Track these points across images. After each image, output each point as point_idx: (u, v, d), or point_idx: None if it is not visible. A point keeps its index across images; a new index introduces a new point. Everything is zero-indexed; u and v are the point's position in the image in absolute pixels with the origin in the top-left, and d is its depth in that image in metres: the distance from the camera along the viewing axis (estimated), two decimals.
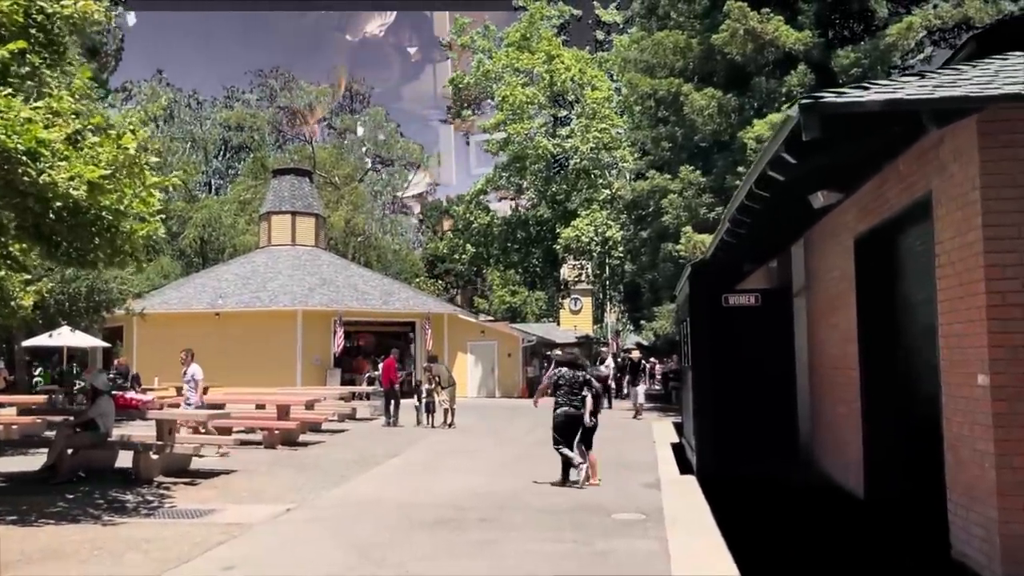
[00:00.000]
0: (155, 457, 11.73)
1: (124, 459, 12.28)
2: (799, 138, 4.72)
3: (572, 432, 10.66)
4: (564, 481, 10.75)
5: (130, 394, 14.49)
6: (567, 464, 10.70)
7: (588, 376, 10.73)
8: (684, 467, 12.97)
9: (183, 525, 8.77)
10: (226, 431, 16.50)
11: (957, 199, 6.12)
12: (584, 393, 10.48)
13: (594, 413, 10.68)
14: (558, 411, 10.65)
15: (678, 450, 15.25)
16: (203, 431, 15.04)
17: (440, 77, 41.08)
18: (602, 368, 28.56)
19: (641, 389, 24.20)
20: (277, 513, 9.45)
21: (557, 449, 10.77)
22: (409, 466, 13.59)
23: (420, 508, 9.56)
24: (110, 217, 9.71)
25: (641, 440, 17.22)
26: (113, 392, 12.37)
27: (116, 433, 12.72)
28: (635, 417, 22.76)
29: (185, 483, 11.61)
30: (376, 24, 79.79)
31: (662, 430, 19.33)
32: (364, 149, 56.97)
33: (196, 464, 13.08)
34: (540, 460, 14.04)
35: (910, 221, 7.78)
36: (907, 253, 8.42)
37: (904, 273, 8.54)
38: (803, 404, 12.40)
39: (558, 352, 31.96)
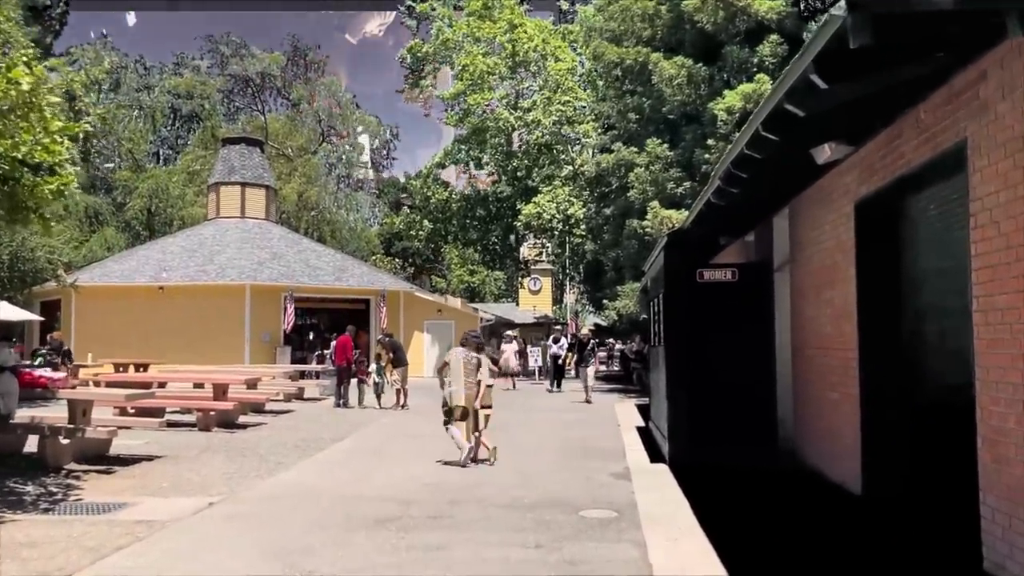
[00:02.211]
0: (65, 442, 10.45)
1: (34, 444, 11.01)
2: (843, 45, 3.63)
3: (464, 412, 10.78)
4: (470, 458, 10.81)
5: (39, 371, 13.08)
6: (459, 445, 10.80)
7: (482, 358, 10.86)
8: (653, 453, 12.00)
9: (83, 523, 7.54)
10: (157, 412, 15.20)
11: (1006, 145, 5.09)
12: (479, 376, 10.64)
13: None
14: (446, 392, 10.80)
15: (644, 434, 14.29)
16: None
17: (440, 76, 39.30)
18: (554, 347, 27.19)
19: (591, 371, 22.45)
20: (198, 508, 8.26)
21: (447, 429, 10.91)
22: (355, 451, 12.44)
23: (362, 502, 8.42)
24: (6, 167, 8.43)
25: (605, 424, 16.24)
26: (17, 368, 10.97)
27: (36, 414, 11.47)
28: (585, 401, 21.31)
29: (100, 471, 10.36)
30: (376, 24, 78.00)
31: (626, 413, 18.37)
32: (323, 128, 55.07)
33: (118, 449, 11.82)
34: (499, 445, 12.99)
35: (928, 179, 6.77)
36: (918, 218, 7.43)
37: (914, 241, 7.56)
38: (783, 388, 11.43)
39: (510, 332, 30.92)
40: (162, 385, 18.68)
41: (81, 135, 9.43)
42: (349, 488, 9.33)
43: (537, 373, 33.75)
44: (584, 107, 36.07)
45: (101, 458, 11.11)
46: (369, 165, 56.17)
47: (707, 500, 8.26)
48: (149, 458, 11.43)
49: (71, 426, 10.55)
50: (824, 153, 6.80)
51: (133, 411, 15.03)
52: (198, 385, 17.67)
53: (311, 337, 35.15)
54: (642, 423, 16.08)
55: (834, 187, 8.86)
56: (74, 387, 11.96)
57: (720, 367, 11.38)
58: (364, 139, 53.52)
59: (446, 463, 10.87)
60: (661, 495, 8.63)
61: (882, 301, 7.95)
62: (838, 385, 8.89)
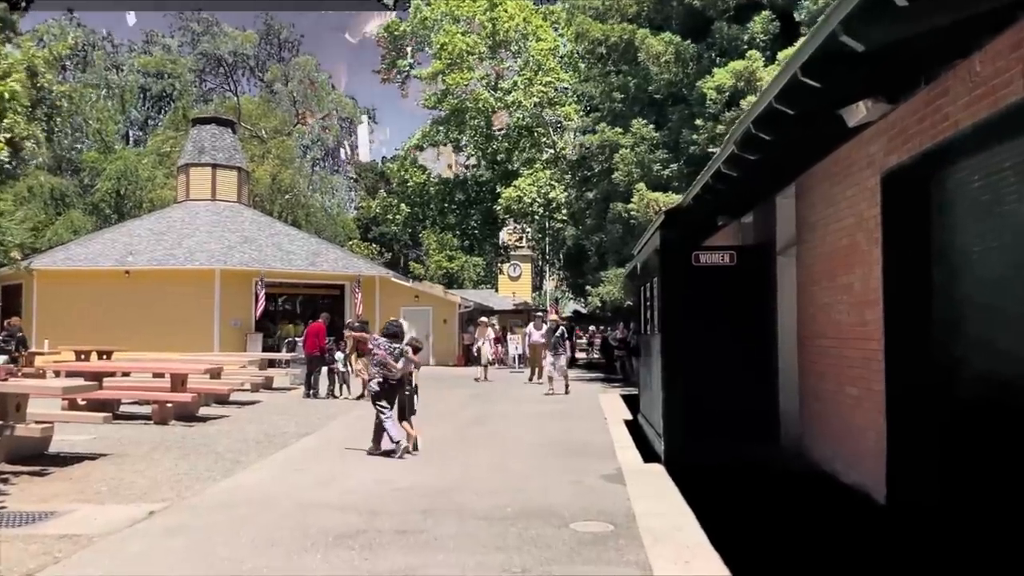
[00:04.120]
0: None
1: None
2: None
3: (390, 400, 10.74)
4: (376, 449, 10.72)
5: None
6: (379, 430, 10.80)
7: (404, 348, 10.91)
8: (645, 450, 11.11)
9: None
10: (110, 404, 14.16)
11: None
12: (399, 365, 10.73)
13: (408, 383, 11.02)
14: (372, 381, 10.88)
15: (633, 428, 13.40)
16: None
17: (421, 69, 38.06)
18: (535, 335, 25.47)
19: (562, 360, 20.69)
20: (135, 518, 7.24)
21: (380, 419, 10.80)
22: (321, 449, 11.42)
23: (323, 511, 7.42)
24: None
25: (590, 417, 15.33)
26: None
27: None
28: (553, 392, 19.83)
29: (33, 473, 9.31)
30: (377, 24, 77.00)
31: (612, 405, 17.48)
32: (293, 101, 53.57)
33: (60, 446, 10.81)
34: (476, 441, 12.12)
35: (978, 144, 5.84)
36: (958, 191, 6.50)
37: (951, 217, 6.62)
38: (787, 381, 10.51)
39: (484, 319, 29.75)
40: (126, 374, 17.62)
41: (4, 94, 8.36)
42: (310, 493, 8.33)
43: (516, 362, 32.81)
44: (566, 88, 35.08)
45: (39, 457, 10.08)
46: (368, 155, 54.61)
47: (712, 508, 7.34)
48: (93, 456, 10.38)
49: (1, 422, 9.48)
50: (858, 113, 5.83)
51: (84, 403, 13.98)
52: (158, 375, 16.56)
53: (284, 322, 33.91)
54: (630, 416, 15.19)
55: (855, 158, 7.93)
56: (6, 378, 10.83)
57: (717, 358, 10.48)
58: (363, 129, 52.06)
59: (417, 462, 9.93)
60: (661, 503, 7.70)
61: (912, 286, 7.03)
62: (857, 380, 7.98)
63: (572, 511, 7.39)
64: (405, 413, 10.95)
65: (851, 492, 7.97)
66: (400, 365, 10.69)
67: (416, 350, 11.20)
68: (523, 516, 7.19)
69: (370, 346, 11.11)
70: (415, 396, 11.32)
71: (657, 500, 7.84)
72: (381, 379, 10.68)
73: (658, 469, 9.54)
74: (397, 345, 10.85)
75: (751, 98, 18.23)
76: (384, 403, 10.64)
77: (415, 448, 10.75)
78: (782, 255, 10.82)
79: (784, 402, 10.55)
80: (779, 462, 9.64)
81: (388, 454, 10.45)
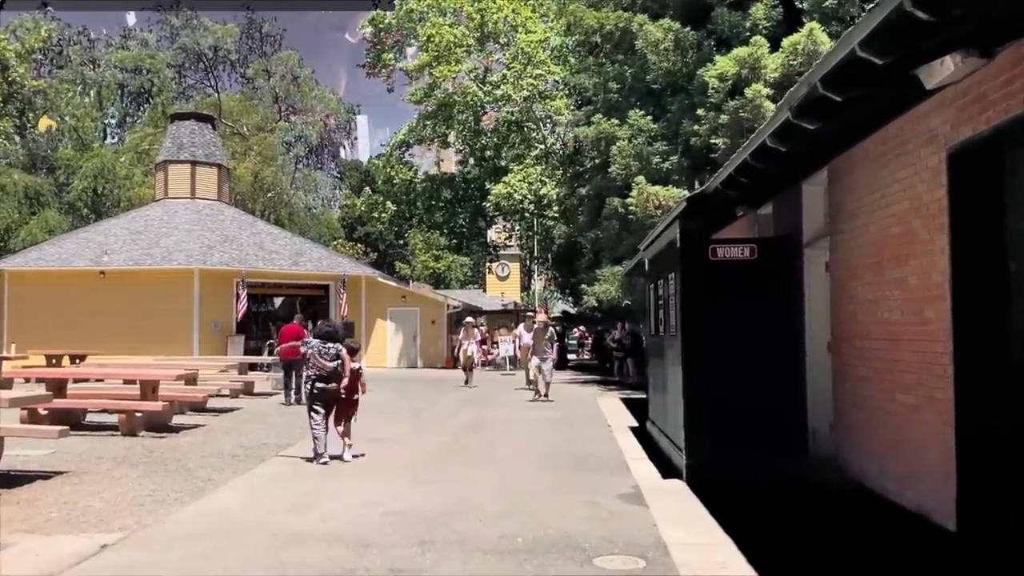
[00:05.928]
0: None
1: None
2: None
3: (326, 405, 10.43)
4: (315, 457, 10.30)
5: None
6: (315, 439, 10.42)
7: (340, 349, 10.56)
8: (656, 460, 10.16)
9: None
10: (75, 414, 13.07)
11: None
12: (334, 364, 10.42)
13: (353, 388, 10.69)
14: (308, 383, 10.72)
15: (640, 435, 12.45)
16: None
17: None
18: (527, 336, 24.15)
19: (548, 363, 18.91)
20: (84, 553, 6.20)
21: (311, 425, 10.48)
22: (301, 463, 10.30)
23: (303, 544, 6.39)
24: None
25: (592, 424, 14.35)
26: None
27: None
28: (541, 398, 18.32)
29: None
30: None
31: (614, 410, 16.51)
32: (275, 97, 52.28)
33: (12, 462, 9.80)
34: (473, 452, 11.16)
35: None
36: None
37: None
38: (817, 387, 9.55)
39: (469, 320, 28.67)
40: (100, 380, 16.53)
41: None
42: (289, 519, 7.28)
43: (507, 363, 31.80)
44: (557, 82, 34.10)
45: None
46: (368, 153, 53.32)
47: (752, 536, 6.35)
48: (47, 475, 9.31)
49: None
50: (944, 71, 4.83)
51: (46, 413, 12.87)
52: (129, 381, 15.46)
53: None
54: (634, 422, 14.22)
55: (909, 135, 6.95)
56: None
57: (737, 362, 9.58)
58: (363, 127, 50.68)
59: (409, 480, 8.90)
60: (694, 530, 6.69)
61: (986, 279, 6.06)
62: (914, 386, 7.00)
63: (593, 541, 6.38)
64: (341, 418, 10.61)
65: (909, 515, 6.98)
66: (332, 365, 10.36)
67: (352, 351, 10.70)
68: (538, 549, 6.17)
69: (303, 349, 10.86)
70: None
71: (687, 526, 6.84)
72: (315, 380, 10.42)
73: (680, 486, 8.56)
74: (331, 345, 10.55)
75: (756, 86, 17.32)
76: (318, 408, 10.35)
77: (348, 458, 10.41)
78: (810, 248, 9.89)
79: (813, 410, 9.62)
80: (814, 477, 8.67)
81: (312, 459, 10.24)
